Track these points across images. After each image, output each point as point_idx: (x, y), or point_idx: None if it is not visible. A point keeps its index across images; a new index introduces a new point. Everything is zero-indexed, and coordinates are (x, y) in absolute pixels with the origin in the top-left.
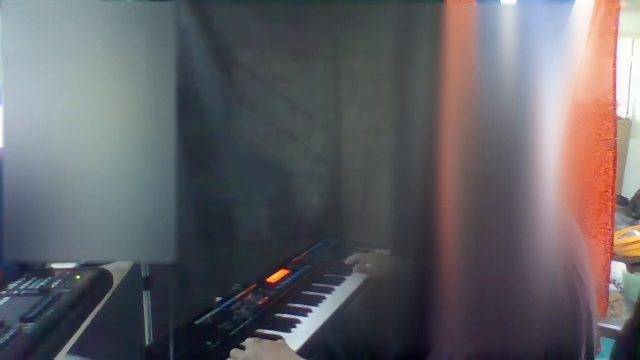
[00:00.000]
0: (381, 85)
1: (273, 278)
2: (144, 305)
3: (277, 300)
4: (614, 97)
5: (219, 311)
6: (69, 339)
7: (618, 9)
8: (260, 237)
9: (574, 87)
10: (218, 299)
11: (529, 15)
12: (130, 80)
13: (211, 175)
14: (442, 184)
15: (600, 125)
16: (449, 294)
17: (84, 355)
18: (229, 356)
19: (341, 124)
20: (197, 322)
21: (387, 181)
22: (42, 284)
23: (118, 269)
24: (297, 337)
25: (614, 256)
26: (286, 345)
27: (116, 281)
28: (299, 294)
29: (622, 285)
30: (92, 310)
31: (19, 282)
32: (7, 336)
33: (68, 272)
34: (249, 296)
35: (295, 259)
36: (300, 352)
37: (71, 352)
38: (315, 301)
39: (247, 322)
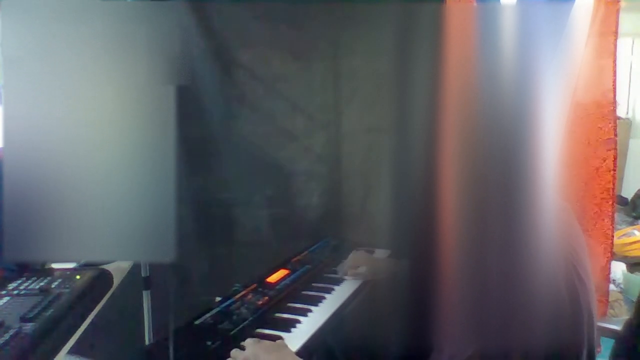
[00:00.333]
0: (381, 85)
1: (273, 278)
2: (144, 305)
3: (277, 300)
4: (614, 97)
5: (219, 311)
6: (69, 339)
7: (618, 9)
8: (260, 237)
9: (574, 87)
10: (218, 299)
11: (529, 15)
12: (130, 80)
13: (211, 175)
14: (442, 185)
15: (601, 125)
16: (450, 294)
17: (84, 355)
18: (229, 356)
19: (341, 124)
20: (197, 322)
21: (387, 181)
22: (42, 284)
23: (118, 269)
24: (297, 337)
25: (614, 256)
26: (286, 346)
27: (116, 281)
28: (299, 294)
29: (622, 285)
30: (92, 310)
31: (19, 282)
32: (7, 336)
33: (68, 272)
34: (249, 296)
35: (295, 259)
36: (300, 352)
37: (71, 352)
38: (315, 301)
39: (247, 322)
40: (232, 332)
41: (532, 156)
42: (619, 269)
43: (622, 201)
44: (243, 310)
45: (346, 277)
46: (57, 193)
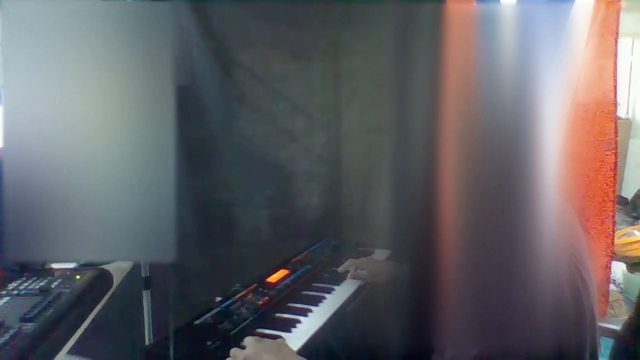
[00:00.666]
0: (381, 85)
1: (273, 278)
2: (144, 305)
3: (277, 300)
4: (615, 97)
5: (219, 311)
6: (69, 339)
7: (618, 9)
8: (260, 237)
9: (575, 87)
10: (218, 299)
11: (529, 15)
12: (130, 80)
13: (211, 175)
14: (443, 185)
15: (601, 125)
16: (451, 295)
17: (84, 355)
18: (229, 356)
19: (341, 124)
20: (197, 322)
21: (387, 181)
22: (42, 284)
23: (118, 269)
24: (297, 337)
25: (614, 256)
26: (286, 345)
27: (116, 281)
28: (299, 294)
29: (622, 285)
30: (92, 310)
31: (19, 282)
32: (7, 336)
33: (68, 272)
34: (249, 296)
35: (295, 259)
36: (300, 352)
37: (71, 352)
38: (316, 301)
39: (247, 322)
40: (232, 332)
41: (532, 156)
42: (619, 269)
43: (622, 201)
44: (243, 310)
45: (347, 278)
46: (57, 193)
